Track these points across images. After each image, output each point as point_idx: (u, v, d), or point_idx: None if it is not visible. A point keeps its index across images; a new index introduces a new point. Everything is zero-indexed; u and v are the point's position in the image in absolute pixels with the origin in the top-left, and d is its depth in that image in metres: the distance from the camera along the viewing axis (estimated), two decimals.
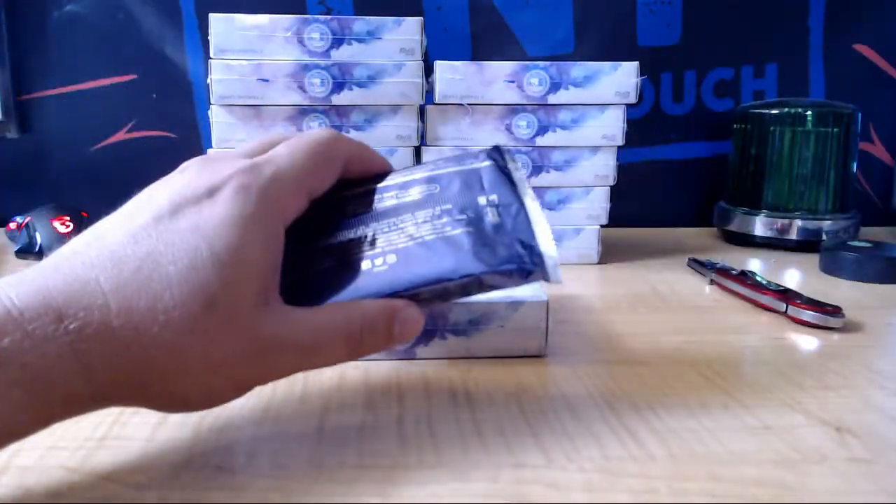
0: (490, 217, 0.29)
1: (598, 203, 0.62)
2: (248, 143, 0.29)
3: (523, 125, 0.60)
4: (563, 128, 0.60)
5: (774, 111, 0.71)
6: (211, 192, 0.25)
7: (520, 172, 0.32)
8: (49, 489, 0.25)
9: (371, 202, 0.31)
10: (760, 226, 0.71)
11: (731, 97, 0.82)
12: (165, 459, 0.27)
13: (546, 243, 0.29)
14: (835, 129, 0.69)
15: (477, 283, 0.28)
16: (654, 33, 0.79)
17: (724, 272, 0.54)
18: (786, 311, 0.46)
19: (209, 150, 0.58)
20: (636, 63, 0.60)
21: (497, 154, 0.33)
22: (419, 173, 0.32)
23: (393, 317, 0.27)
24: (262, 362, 0.25)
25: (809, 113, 0.70)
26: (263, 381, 0.27)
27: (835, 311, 0.44)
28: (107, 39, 0.75)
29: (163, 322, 0.23)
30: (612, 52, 0.77)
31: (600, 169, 0.61)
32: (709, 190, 0.82)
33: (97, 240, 0.24)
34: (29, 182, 0.77)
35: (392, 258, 0.28)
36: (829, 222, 0.69)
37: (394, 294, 0.28)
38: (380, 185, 0.31)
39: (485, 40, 0.77)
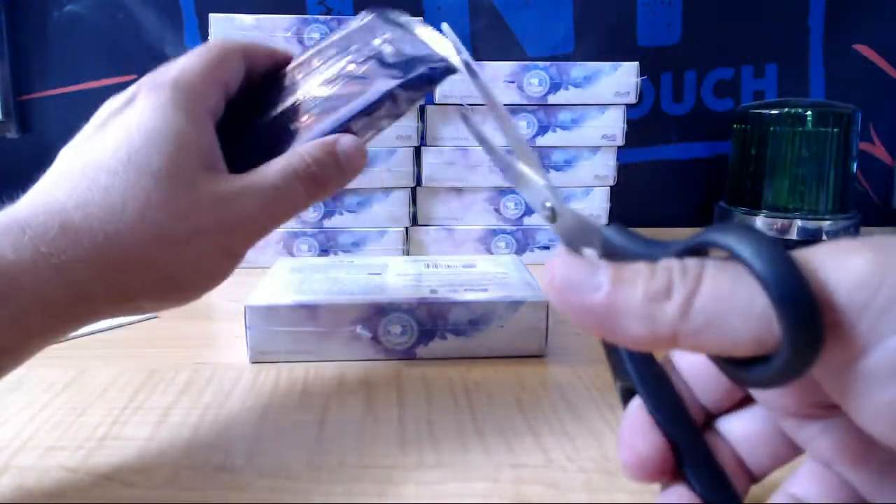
0: (388, 50, 0.31)
1: (598, 203, 0.62)
2: None
3: (523, 125, 0.60)
4: (563, 128, 0.60)
5: (774, 111, 0.71)
6: (128, 102, 0.27)
7: (405, 17, 0.34)
8: (49, 489, 0.25)
9: (283, 82, 0.33)
10: (760, 226, 0.71)
11: (731, 97, 0.82)
12: (165, 459, 0.27)
13: (442, 48, 0.31)
14: (835, 129, 0.69)
15: (394, 98, 0.30)
16: (654, 33, 0.79)
17: None
18: None
19: None
20: (636, 63, 0.60)
21: (379, 9, 0.35)
22: (317, 46, 0.34)
23: (332, 147, 0.29)
24: (230, 219, 0.25)
25: (809, 113, 0.70)
26: (245, 241, 0.27)
27: None
28: (107, 39, 0.75)
29: (121, 206, 0.24)
30: (612, 52, 0.77)
31: (600, 169, 0.61)
32: (709, 190, 0.82)
33: (45, 174, 0.26)
34: (29, 182, 0.77)
35: (315, 111, 0.30)
36: (829, 222, 0.69)
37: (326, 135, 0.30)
38: (289, 68, 0.34)
39: (485, 40, 0.77)
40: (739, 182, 0.74)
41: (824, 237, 0.69)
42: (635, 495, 0.25)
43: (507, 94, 0.59)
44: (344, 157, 0.29)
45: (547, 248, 0.62)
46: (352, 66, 0.32)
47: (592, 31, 0.78)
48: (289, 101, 0.32)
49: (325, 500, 0.24)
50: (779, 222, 0.70)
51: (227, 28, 0.57)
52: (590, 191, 0.61)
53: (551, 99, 0.59)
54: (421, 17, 0.58)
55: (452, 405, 0.32)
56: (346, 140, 0.29)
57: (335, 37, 0.34)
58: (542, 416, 0.31)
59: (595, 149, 0.61)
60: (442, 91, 0.58)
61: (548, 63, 0.59)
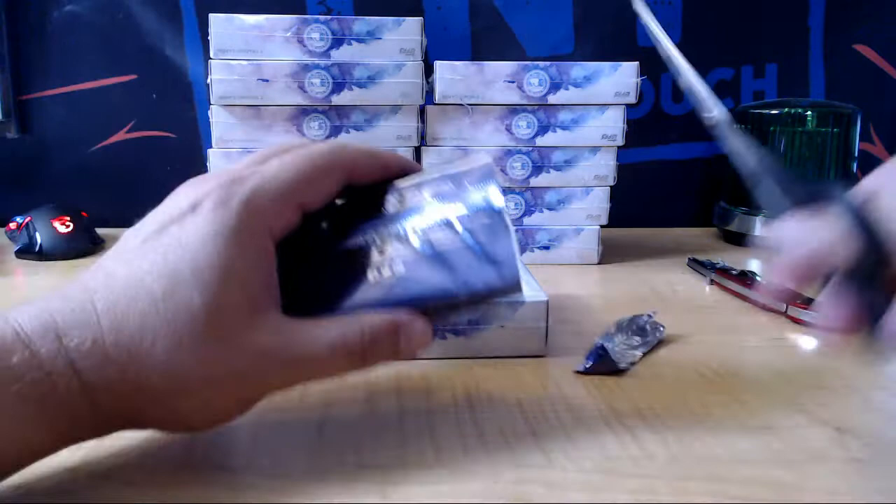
0: (502, 222, 0.28)
1: (598, 203, 0.62)
2: (250, 155, 0.29)
3: (523, 125, 0.60)
4: (563, 128, 0.60)
5: (774, 111, 0.71)
6: (193, 208, 0.24)
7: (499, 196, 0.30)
8: (49, 489, 0.25)
9: (383, 204, 0.29)
10: (760, 226, 0.71)
11: (731, 97, 0.81)
12: (165, 459, 0.27)
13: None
14: (835, 129, 0.69)
15: (484, 297, 0.28)
16: None
17: (724, 272, 0.54)
18: (786, 311, 0.46)
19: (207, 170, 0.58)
20: (636, 63, 0.60)
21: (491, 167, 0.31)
22: (429, 175, 0.30)
23: (397, 330, 0.27)
24: (259, 376, 0.25)
25: (809, 113, 0.70)
26: (263, 395, 0.26)
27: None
28: (107, 39, 0.75)
29: (152, 340, 0.23)
30: (612, 52, 0.77)
31: (600, 169, 0.61)
32: (709, 190, 0.82)
33: (97, 266, 0.25)
34: (29, 182, 0.77)
35: (399, 268, 0.27)
36: None
37: (399, 305, 0.27)
38: (396, 185, 0.30)
39: (485, 40, 0.77)
40: (739, 182, 0.74)
41: None
42: (635, 495, 0.25)
43: (507, 94, 0.59)
44: (405, 342, 0.27)
45: (547, 248, 0.62)
46: (455, 231, 0.28)
47: (592, 31, 0.78)
48: (375, 235, 0.28)
49: (325, 500, 0.24)
50: None
51: (227, 28, 0.57)
52: (590, 191, 0.61)
53: (551, 99, 0.59)
54: (421, 17, 0.58)
55: (452, 405, 0.32)
56: (414, 326, 0.27)
57: (451, 170, 0.30)
58: (542, 416, 0.31)
59: (595, 149, 0.61)
60: (442, 91, 0.58)
61: (548, 63, 0.59)
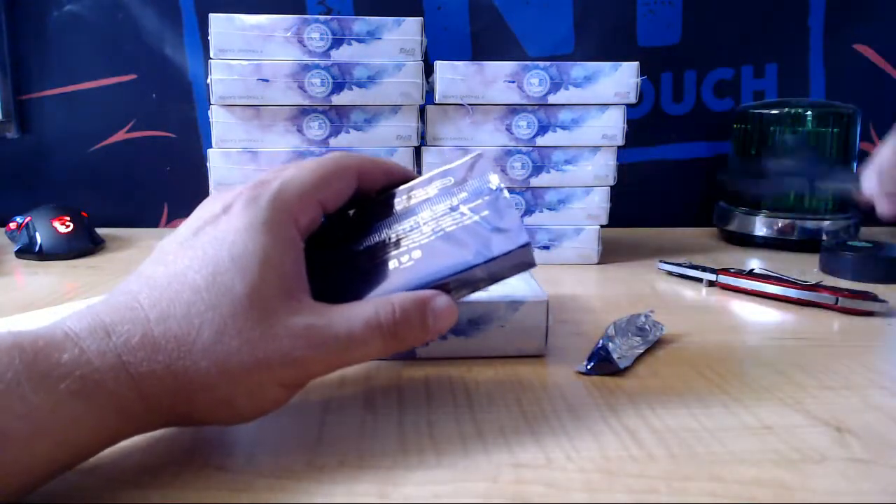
0: (487, 213, 0.31)
1: (598, 203, 0.62)
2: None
3: (523, 125, 0.60)
4: (563, 128, 0.60)
5: (774, 111, 0.71)
6: (225, 209, 0.27)
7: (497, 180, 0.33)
8: (49, 489, 0.25)
9: (392, 205, 0.32)
10: (760, 226, 0.71)
11: (731, 97, 0.82)
12: (166, 459, 0.27)
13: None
14: (835, 129, 0.69)
15: (499, 266, 0.30)
16: (654, 33, 0.79)
17: (733, 272, 0.54)
18: (836, 304, 0.48)
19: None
20: (636, 63, 0.60)
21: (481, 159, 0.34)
22: (431, 174, 0.33)
23: (425, 306, 0.28)
24: (301, 356, 0.25)
25: (809, 113, 0.70)
26: (305, 379, 0.27)
27: (874, 296, 0.47)
28: (107, 39, 0.76)
29: (198, 327, 0.24)
30: (612, 52, 0.77)
31: (600, 169, 0.61)
32: (709, 190, 0.82)
33: (136, 274, 0.26)
34: (29, 182, 0.77)
35: (417, 253, 0.30)
36: (829, 222, 0.69)
37: (423, 287, 0.29)
38: (399, 188, 0.33)
39: (485, 40, 0.77)
40: (739, 182, 0.74)
41: (824, 237, 0.69)
42: (635, 495, 0.25)
43: (507, 94, 0.59)
44: (433, 319, 0.28)
45: (547, 248, 0.62)
46: (463, 208, 0.31)
47: (592, 31, 0.78)
48: (390, 231, 0.31)
49: (325, 500, 0.24)
50: (779, 222, 0.70)
51: (227, 28, 0.57)
52: (590, 191, 0.61)
53: (551, 99, 0.59)
54: (421, 17, 0.58)
55: (452, 405, 0.32)
56: (441, 301, 0.28)
57: (451, 165, 0.33)
58: (542, 416, 0.31)
59: (595, 149, 0.61)
60: (442, 91, 0.58)
61: (548, 63, 0.59)
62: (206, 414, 0.26)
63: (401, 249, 0.30)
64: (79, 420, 0.23)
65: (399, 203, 0.32)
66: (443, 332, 0.29)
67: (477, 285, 0.31)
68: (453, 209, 0.31)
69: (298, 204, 0.28)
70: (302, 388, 0.28)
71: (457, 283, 0.29)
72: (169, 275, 0.25)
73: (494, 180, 0.31)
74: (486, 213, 0.30)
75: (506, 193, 0.31)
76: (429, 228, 0.30)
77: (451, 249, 0.29)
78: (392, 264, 0.30)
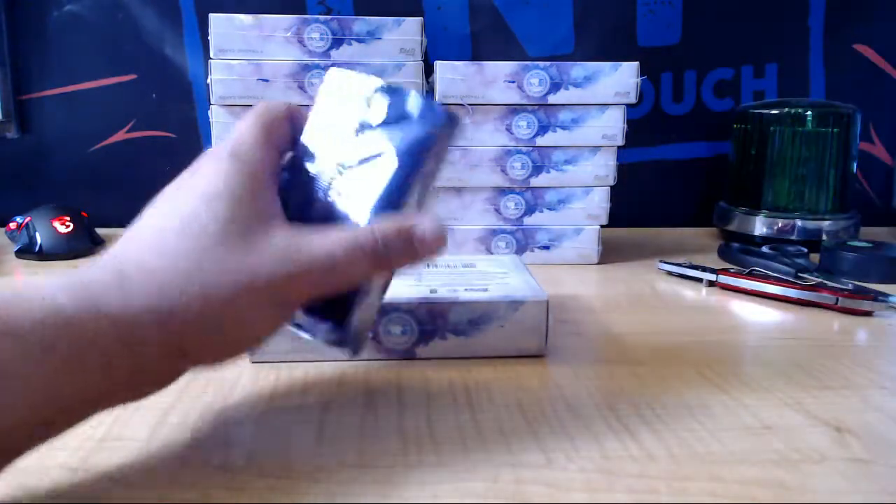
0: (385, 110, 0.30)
1: (598, 203, 0.62)
2: None
3: (523, 125, 0.60)
4: (563, 128, 0.60)
5: (774, 111, 0.71)
6: (192, 174, 0.28)
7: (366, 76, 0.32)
8: (49, 489, 0.25)
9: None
10: (760, 226, 0.71)
11: (731, 97, 0.81)
12: (165, 459, 0.27)
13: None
14: (835, 129, 0.69)
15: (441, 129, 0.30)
16: (654, 33, 0.79)
17: (733, 272, 0.54)
18: (836, 304, 0.48)
19: None
20: (636, 63, 0.60)
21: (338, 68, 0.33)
22: (314, 110, 0.32)
23: (409, 230, 0.28)
24: (283, 273, 0.26)
25: (809, 113, 0.70)
26: (291, 296, 0.27)
27: (874, 296, 0.48)
28: (107, 39, 0.75)
29: (179, 266, 0.25)
30: (612, 52, 0.77)
31: (600, 169, 0.61)
32: (709, 190, 0.82)
33: (128, 229, 0.27)
34: (29, 182, 0.77)
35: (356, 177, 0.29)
36: (829, 222, 0.69)
37: (388, 195, 0.29)
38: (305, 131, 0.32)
39: (485, 40, 0.77)
40: (739, 182, 0.74)
41: (824, 237, 0.69)
42: (635, 495, 0.25)
43: (507, 94, 0.59)
44: (420, 244, 0.28)
45: (547, 248, 0.62)
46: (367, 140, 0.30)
47: (592, 31, 0.78)
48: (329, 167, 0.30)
49: (325, 500, 0.24)
50: (779, 222, 0.70)
51: (227, 28, 0.57)
52: (590, 191, 0.61)
53: (551, 99, 0.59)
54: (421, 17, 0.58)
55: (452, 405, 0.32)
56: (425, 227, 0.28)
57: (327, 100, 0.32)
58: (542, 416, 0.31)
59: (595, 149, 0.61)
60: (442, 91, 0.58)
61: (548, 63, 0.59)
62: (199, 351, 0.25)
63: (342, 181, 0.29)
64: (58, 373, 0.22)
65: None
66: (436, 253, 0.29)
67: (438, 159, 0.30)
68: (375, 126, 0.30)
69: (256, 151, 0.28)
70: (291, 312, 0.27)
71: (413, 185, 0.29)
72: (150, 225, 0.26)
73: (395, 86, 0.31)
74: (406, 110, 0.30)
75: (408, 89, 0.30)
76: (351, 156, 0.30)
77: (402, 134, 0.29)
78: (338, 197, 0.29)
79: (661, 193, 0.82)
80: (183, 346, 0.25)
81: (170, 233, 0.25)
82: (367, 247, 0.27)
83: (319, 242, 0.27)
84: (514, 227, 0.61)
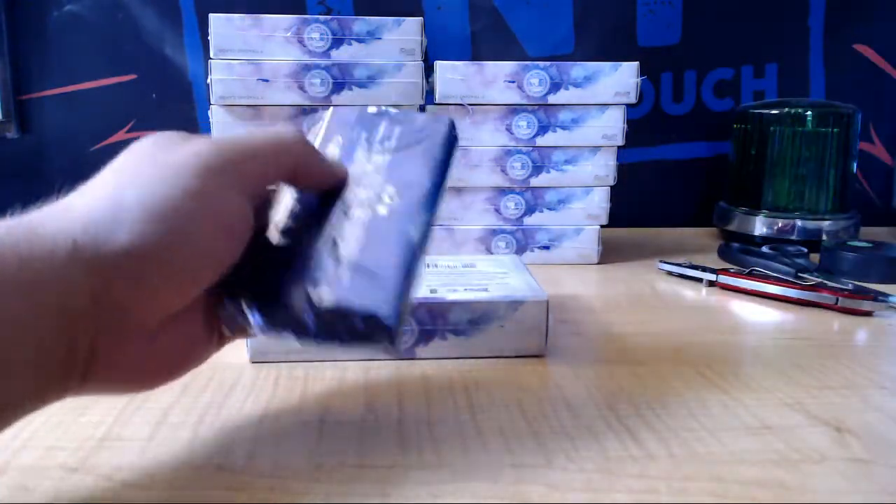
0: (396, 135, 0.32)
1: (598, 203, 0.62)
2: None
3: (523, 125, 0.60)
4: (563, 128, 0.60)
5: (774, 111, 0.71)
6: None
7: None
8: (49, 489, 0.25)
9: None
10: (760, 226, 0.71)
11: (731, 97, 0.81)
12: (165, 459, 0.27)
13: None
14: (835, 129, 0.69)
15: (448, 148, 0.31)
16: (654, 33, 0.79)
17: (733, 272, 0.54)
18: (836, 304, 0.48)
19: None
20: (636, 63, 0.60)
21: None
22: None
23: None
24: (210, 175, 0.24)
25: (809, 113, 0.70)
26: (236, 210, 0.25)
27: (874, 296, 0.48)
28: (107, 39, 0.75)
29: (120, 201, 0.23)
30: (612, 52, 0.77)
31: (600, 169, 0.61)
32: (709, 190, 0.82)
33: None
34: (29, 182, 0.77)
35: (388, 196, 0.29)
36: (829, 222, 0.69)
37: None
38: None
39: (485, 40, 0.77)
40: (739, 182, 0.74)
41: (824, 237, 0.69)
42: (635, 495, 0.25)
43: (507, 94, 0.59)
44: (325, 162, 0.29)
45: (547, 248, 0.62)
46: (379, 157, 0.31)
47: (592, 31, 0.78)
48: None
49: (325, 500, 0.24)
50: (779, 222, 0.70)
51: (227, 28, 0.57)
52: (590, 191, 0.61)
53: (551, 99, 0.59)
54: (421, 17, 0.58)
55: (452, 405, 0.32)
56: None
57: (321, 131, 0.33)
58: (542, 416, 0.31)
59: (595, 149, 0.61)
60: (442, 91, 0.58)
61: (548, 63, 0.59)
62: (163, 279, 0.23)
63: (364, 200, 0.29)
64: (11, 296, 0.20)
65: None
66: (336, 176, 0.29)
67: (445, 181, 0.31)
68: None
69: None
70: (243, 232, 0.25)
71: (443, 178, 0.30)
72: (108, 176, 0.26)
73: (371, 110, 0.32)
74: (393, 141, 0.31)
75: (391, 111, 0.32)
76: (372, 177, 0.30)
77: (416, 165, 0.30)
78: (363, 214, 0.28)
79: (661, 193, 0.82)
80: (145, 278, 0.23)
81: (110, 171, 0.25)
82: (288, 135, 0.27)
83: (239, 135, 0.27)
84: (514, 227, 0.61)
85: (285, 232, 0.29)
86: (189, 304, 0.25)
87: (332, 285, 0.26)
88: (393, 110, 0.31)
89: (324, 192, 0.30)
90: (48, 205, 0.24)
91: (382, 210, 0.28)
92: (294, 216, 0.29)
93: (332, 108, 0.32)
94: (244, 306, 0.27)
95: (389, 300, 0.26)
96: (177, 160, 0.24)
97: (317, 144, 0.31)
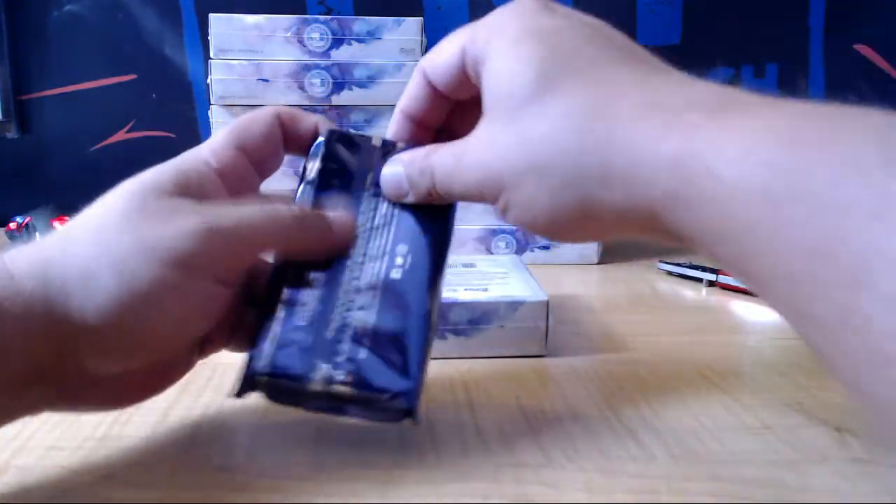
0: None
1: None
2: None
3: None
4: None
5: None
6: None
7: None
8: (49, 489, 0.25)
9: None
10: None
11: None
12: (165, 459, 0.27)
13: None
14: None
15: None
16: (654, 33, 0.79)
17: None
18: None
19: None
20: None
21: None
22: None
23: (323, 213, 0.28)
24: (199, 224, 0.24)
25: None
26: (211, 258, 0.25)
27: None
28: (107, 39, 0.75)
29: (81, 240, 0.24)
30: None
31: None
32: None
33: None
34: (29, 182, 0.77)
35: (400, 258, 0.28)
36: None
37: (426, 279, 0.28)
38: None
39: None
40: None
41: None
42: (635, 495, 0.25)
43: None
44: (330, 227, 0.28)
45: (547, 247, 0.62)
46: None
47: None
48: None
49: (325, 500, 0.24)
50: None
51: (227, 28, 0.57)
52: None
53: None
54: (421, 17, 0.58)
55: (452, 405, 0.32)
56: (337, 215, 0.28)
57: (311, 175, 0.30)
58: (542, 416, 0.31)
59: None
60: None
61: None
62: (96, 344, 0.23)
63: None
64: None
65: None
66: (343, 242, 0.28)
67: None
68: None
69: (213, 153, 0.29)
70: (204, 276, 0.24)
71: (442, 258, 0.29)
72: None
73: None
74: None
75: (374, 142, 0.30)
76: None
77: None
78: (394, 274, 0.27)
79: None
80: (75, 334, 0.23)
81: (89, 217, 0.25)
82: (284, 212, 0.27)
83: (233, 207, 0.26)
84: (515, 227, 0.61)
85: (296, 282, 0.27)
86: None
87: (344, 362, 0.25)
88: (401, 143, 0.30)
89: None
90: (26, 246, 0.24)
91: (396, 274, 0.27)
92: (300, 272, 0.28)
93: (326, 134, 0.30)
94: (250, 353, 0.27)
95: (409, 380, 0.25)
96: (158, 242, 0.23)
97: (311, 179, 0.30)
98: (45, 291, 0.22)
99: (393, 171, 0.29)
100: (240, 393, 0.26)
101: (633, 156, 0.21)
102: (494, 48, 0.25)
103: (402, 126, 0.30)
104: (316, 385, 0.25)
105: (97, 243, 0.24)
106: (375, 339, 0.26)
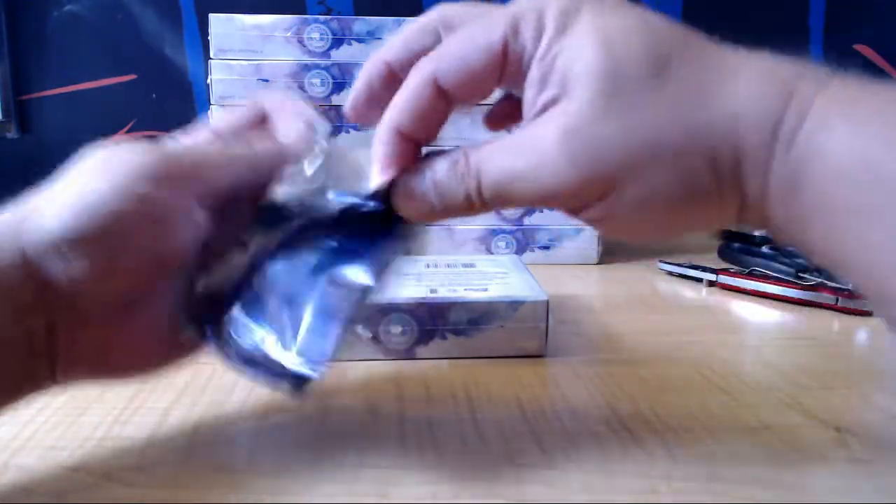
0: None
1: None
2: None
3: None
4: None
5: None
6: None
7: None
8: (49, 489, 0.25)
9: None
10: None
11: None
12: (165, 459, 0.27)
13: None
14: None
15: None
16: None
17: (733, 272, 0.54)
18: (837, 303, 0.47)
19: None
20: None
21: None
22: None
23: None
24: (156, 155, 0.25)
25: None
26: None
27: None
28: (107, 39, 0.76)
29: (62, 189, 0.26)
30: None
31: None
32: None
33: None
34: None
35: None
36: None
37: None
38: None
39: None
40: None
41: None
42: (635, 495, 0.25)
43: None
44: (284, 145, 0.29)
45: (547, 247, 0.62)
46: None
47: None
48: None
49: (325, 500, 0.24)
50: None
51: (227, 28, 0.57)
52: None
53: None
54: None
55: (452, 405, 0.32)
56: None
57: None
58: (542, 416, 0.31)
59: None
60: None
61: None
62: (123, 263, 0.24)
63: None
64: None
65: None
66: (293, 158, 0.29)
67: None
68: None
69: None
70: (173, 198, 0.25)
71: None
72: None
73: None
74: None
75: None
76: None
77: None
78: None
79: None
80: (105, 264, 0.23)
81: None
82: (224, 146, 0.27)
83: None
84: (514, 227, 0.61)
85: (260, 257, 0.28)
86: (148, 298, 0.25)
87: (280, 339, 0.27)
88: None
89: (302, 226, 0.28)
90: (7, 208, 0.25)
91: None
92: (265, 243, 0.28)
93: (331, 141, 0.30)
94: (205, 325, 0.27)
95: (322, 364, 0.26)
96: (123, 165, 0.25)
97: (310, 176, 0.30)
98: (17, 236, 0.24)
99: (413, 184, 0.27)
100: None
101: (753, 138, 0.21)
102: (579, 23, 0.22)
103: (395, 147, 0.27)
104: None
105: (67, 178, 0.26)
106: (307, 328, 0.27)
